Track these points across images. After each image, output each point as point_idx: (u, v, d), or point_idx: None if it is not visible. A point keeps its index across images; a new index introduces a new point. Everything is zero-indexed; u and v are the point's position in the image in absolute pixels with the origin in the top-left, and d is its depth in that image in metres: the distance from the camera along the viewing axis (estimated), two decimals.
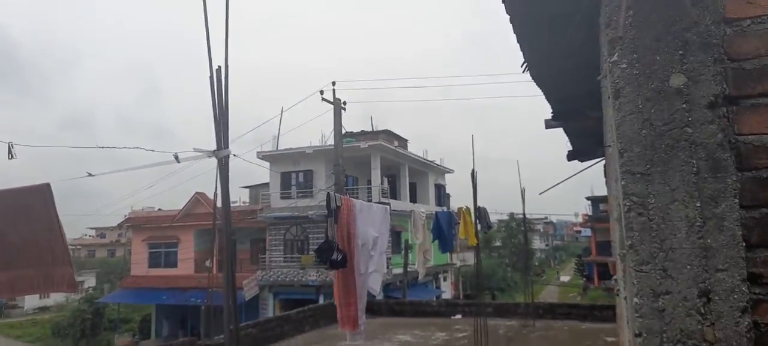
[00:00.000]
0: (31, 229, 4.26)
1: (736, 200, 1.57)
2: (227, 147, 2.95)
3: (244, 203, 32.24)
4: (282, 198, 25.94)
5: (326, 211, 5.34)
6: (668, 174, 1.64)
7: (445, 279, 30.63)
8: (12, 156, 4.41)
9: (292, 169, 25.93)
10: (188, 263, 28.75)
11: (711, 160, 1.62)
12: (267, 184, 27.23)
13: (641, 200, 1.67)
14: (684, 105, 1.65)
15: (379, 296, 20.63)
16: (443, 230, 10.15)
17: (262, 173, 28.50)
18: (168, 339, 25.12)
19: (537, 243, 67.43)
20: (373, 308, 12.86)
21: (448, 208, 25.76)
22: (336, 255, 5.29)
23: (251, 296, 25.45)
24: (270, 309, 24.60)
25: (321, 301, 19.29)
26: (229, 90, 3.04)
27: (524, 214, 11.35)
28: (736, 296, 1.53)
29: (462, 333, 9.94)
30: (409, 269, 21.80)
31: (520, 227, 48.48)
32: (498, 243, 47.46)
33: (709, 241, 1.58)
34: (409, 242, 20.88)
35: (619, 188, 1.82)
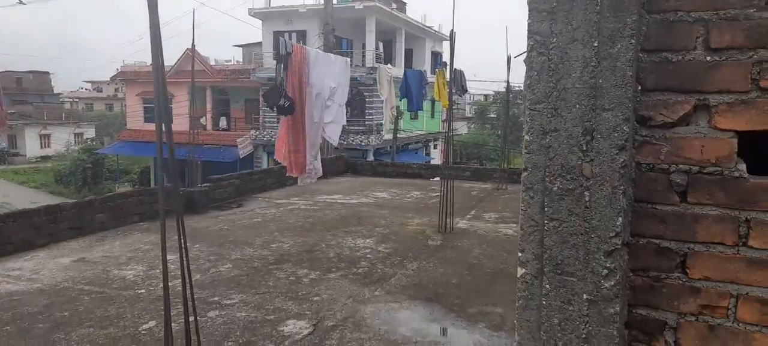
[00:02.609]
0: None
1: (633, 41, 1.56)
2: None
3: (237, 62, 31.72)
4: (275, 58, 25.42)
5: (277, 56, 5.26)
6: (572, 12, 1.62)
7: (435, 147, 31.18)
8: None
9: (284, 28, 25.10)
10: (183, 119, 28.95)
11: None
12: (260, 43, 26.55)
13: (543, 39, 1.66)
14: None
15: (369, 158, 21.12)
16: (411, 89, 10.10)
17: (256, 31, 27.74)
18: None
19: None
20: (356, 168, 13.25)
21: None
22: (283, 101, 5.31)
23: (245, 154, 26.02)
24: (265, 165, 25.26)
25: None
26: None
27: (508, 82, 11.27)
28: (616, 135, 1.58)
29: (436, 194, 10.34)
30: (399, 135, 22.09)
31: (516, 98, 48.30)
32: (492, 115, 47.61)
33: (600, 81, 1.60)
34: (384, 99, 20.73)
35: (527, 27, 1.79)
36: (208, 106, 29.13)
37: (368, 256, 5.97)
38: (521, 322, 1.84)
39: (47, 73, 51.91)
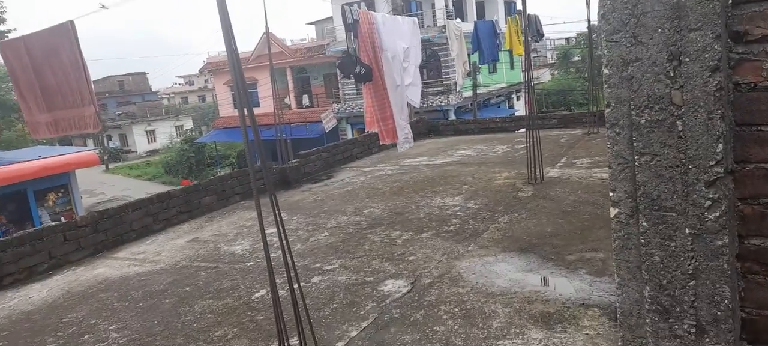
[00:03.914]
0: (63, 70, 4.59)
1: None
2: None
3: (312, 39, 32.36)
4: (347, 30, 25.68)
5: (344, 26, 5.32)
6: None
7: (518, 99, 30.17)
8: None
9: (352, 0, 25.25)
10: (268, 101, 30.19)
11: None
12: (331, 18, 26.88)
13: None
14: None
15: (450, 117, 20.91)
16: (482, 41, 9.78)
17: (326, 5, 28.10)
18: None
19: None
20: (439, 129, 13.18)
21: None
22: (359, 69, 5.37)
23: (330, 128, 26.72)
24: (350, 138, 25.83)
25: None
26: None
27: (589, 20, 10.58)
28: (707, 56, 1.49)
29: (522, 146, 10.08)
30: (478, 90, 21.62)
31: (599, 37, 45.22)
32: (577, 58, 45.07)
33: None
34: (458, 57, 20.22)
35: None
36: (290, 85, 30.10)
37: (458, 213, 6.00)
38: (620, 263, 1.81)
39: (144, 73, 56.00)
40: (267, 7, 10.26)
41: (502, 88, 28.00)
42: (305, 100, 30.07)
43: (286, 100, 29.51)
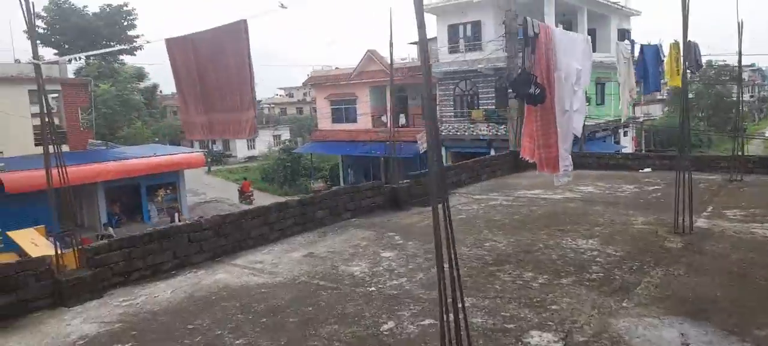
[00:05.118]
0: (227, 71, 4.47)
1: None
2: None
3: (413, 59, 32.42)
4: (450, 52, 25.48)
5: (523, 39, 4.92)
6: None
7: (625, 134, 28.28)
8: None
9: (459, 20, 24.97)
10: (366, 118, 30.56)
11: None
12: (435, 38, 26.76)
13: None
14: None
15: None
16: (648, 67, 8.99)
17: (430, 26, 28.03)
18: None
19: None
20: None
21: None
22: (533, 89, 4.94)
23: (425, 149, 26.54)
24: (444, 162, 25.43)
25: (492, 154, 19.23)
26: None
27: (740, 53, 9.39)
28: None
29: (653, 186, 9.16)
30: (585, 123, 20.44)
31: (719, 76, 41.71)
32: (690, 95, 41.69)
33: None
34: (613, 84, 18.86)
35: None
36: (389, 104, 30.30)
37: (598, 259, 5.39)
38: None
39: None
40: (372, 25, 10.17)
41: (610, 121, 26.39)
42: (402, 119, 30.11)
43: (383, 118, 29.67)
